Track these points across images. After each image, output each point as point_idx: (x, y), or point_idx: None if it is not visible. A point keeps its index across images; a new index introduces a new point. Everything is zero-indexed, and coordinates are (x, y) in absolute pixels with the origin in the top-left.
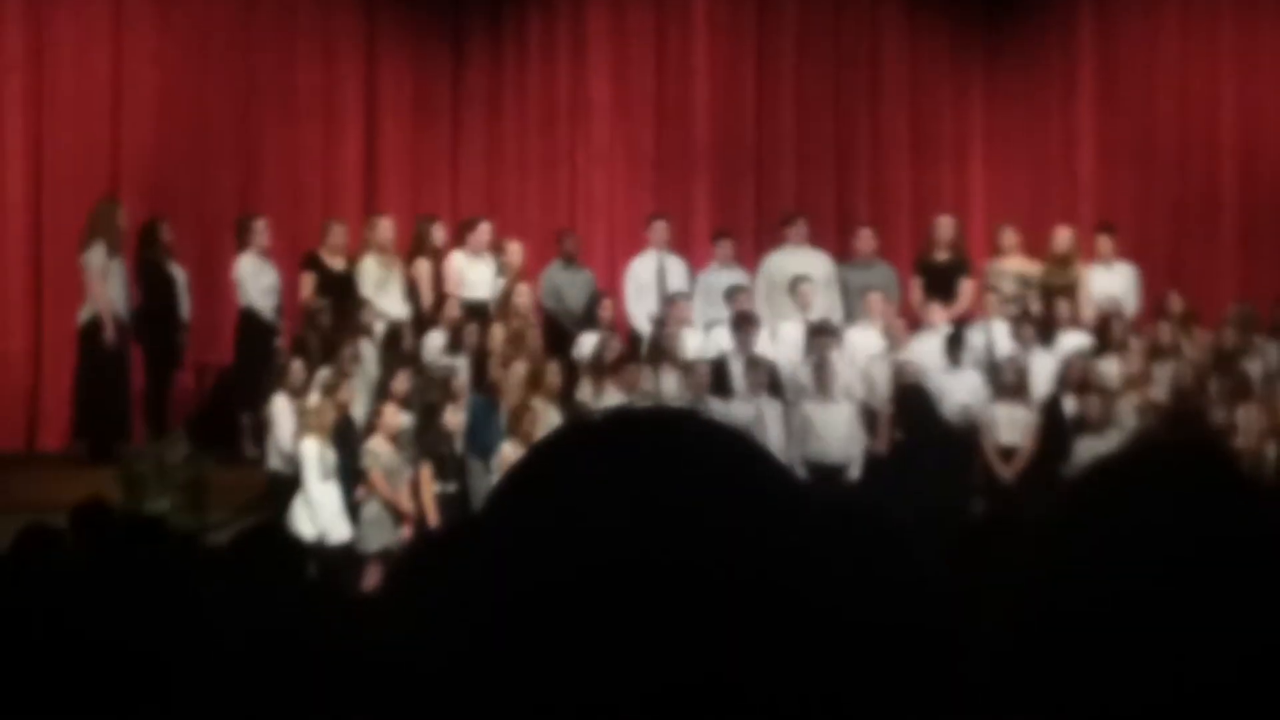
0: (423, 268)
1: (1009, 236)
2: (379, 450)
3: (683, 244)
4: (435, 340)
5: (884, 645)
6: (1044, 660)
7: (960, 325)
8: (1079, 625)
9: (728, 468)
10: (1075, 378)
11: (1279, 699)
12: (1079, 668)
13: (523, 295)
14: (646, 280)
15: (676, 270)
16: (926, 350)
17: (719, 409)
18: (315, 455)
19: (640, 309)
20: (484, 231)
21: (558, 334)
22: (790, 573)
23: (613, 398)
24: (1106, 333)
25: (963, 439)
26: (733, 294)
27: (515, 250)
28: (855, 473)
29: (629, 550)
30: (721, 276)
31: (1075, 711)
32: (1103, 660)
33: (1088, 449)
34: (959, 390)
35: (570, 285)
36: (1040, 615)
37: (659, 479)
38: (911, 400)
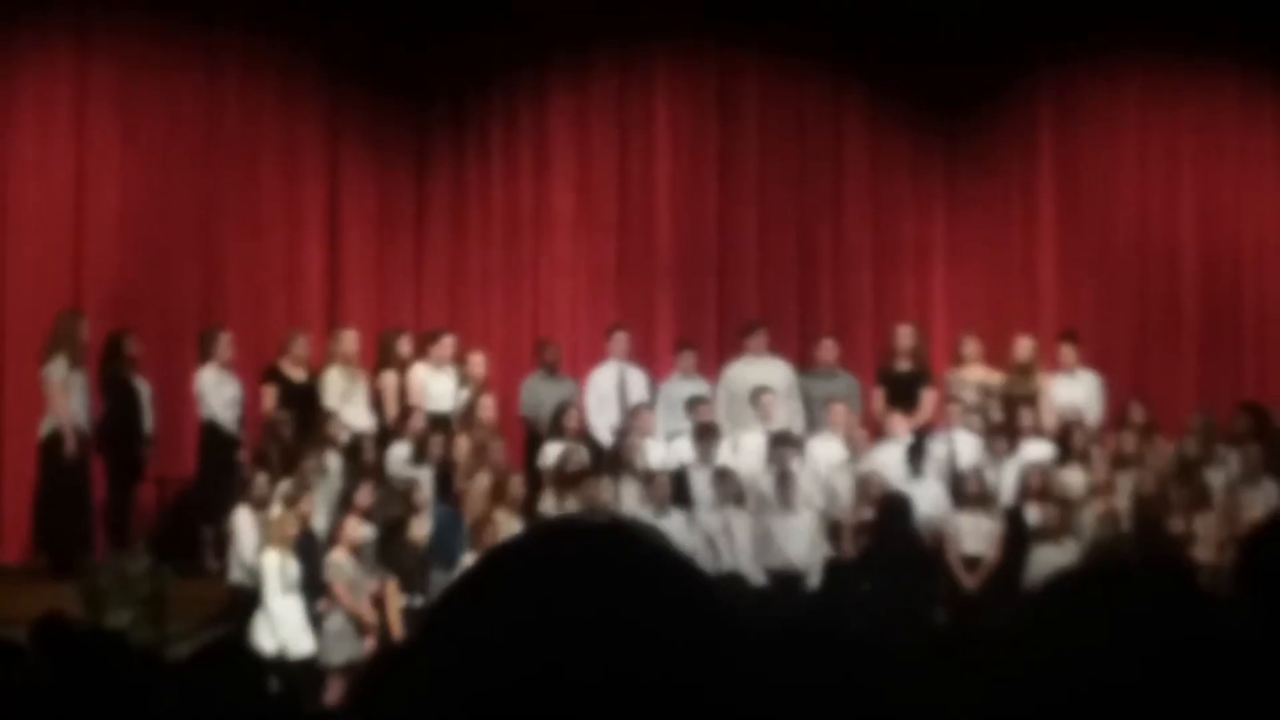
0: (389, 380)
1: (970, 346)
2: (341, 562)
3: (646, 354)
4: (400, 452)
5: None
6: None
7: (922, 435)
8: None
9: (679, 583)
10: (1035, 487)
11: None
12: None
13: (486, 407)
14: (607, 391)
15: (637, 381)
16: (888, 460)
17: (683, 520)
18: (277, 568)
19: (602, 420)
20: (446, 344)
21: (537, 444)
22: (740, 693)
23: (574, 509)
24: (1069, 442)
25: (929, 549)
26: (694, 404)
27: (479, 361)
28: (815, 581)
29: (576, 664)
30: (683, 387)
31: None
32: None
33: (1045, 559)
34: (921, 500)
35: (551, 396)
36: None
37: (609, 592)
38: (892, 509)
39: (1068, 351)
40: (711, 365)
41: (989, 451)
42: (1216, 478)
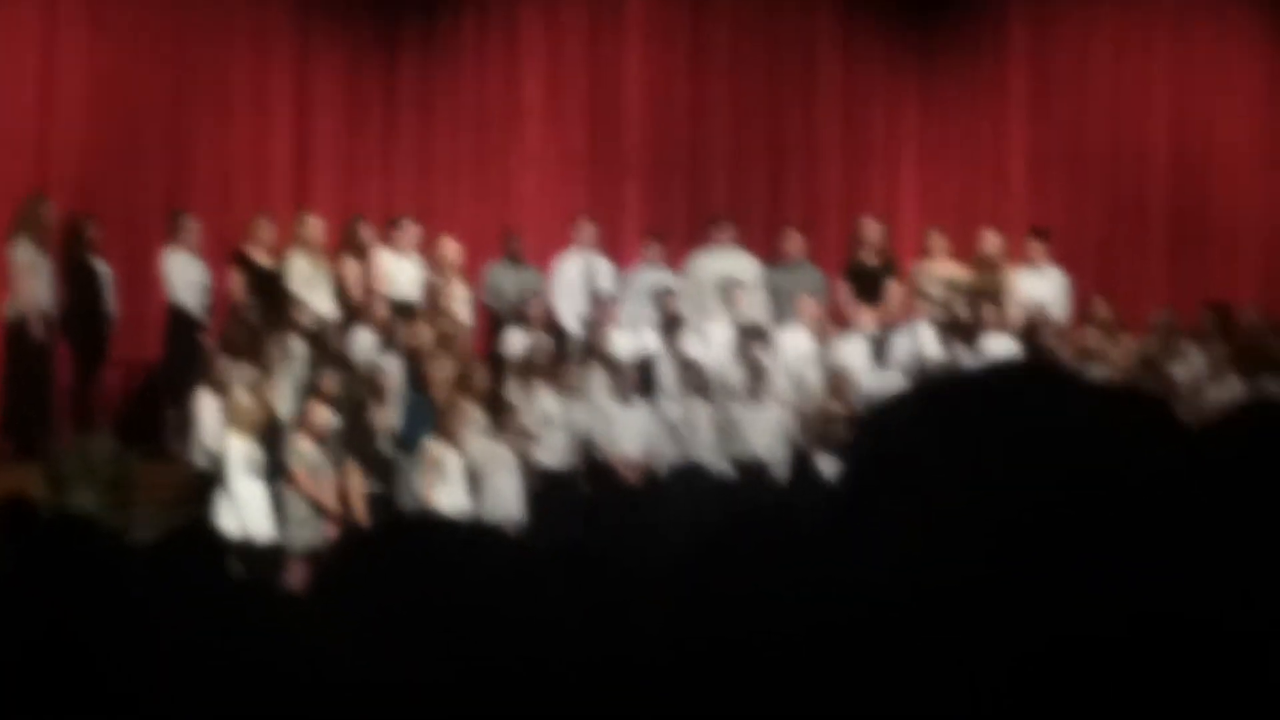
0: (350, 266)
1: (937, 240)
2: (303, 449)
3: (614, 245)
4: (363, 339)
5: None
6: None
7: (886, 328)
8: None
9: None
10: None
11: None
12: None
13: (458, 293)
14: (573, 280)
15: (603, 270)
16: (852, 352)
17: (647, 410)
18: (242, 453)
19: (568, 308)
20: (408, 230)
21: (500, 331)
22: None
23: (544, 397)
24: (1033, 337)
25: None
26: (660, 295)
27: (452, 247)
28: (781, 474)
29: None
30: (649, 277)
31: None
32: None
33: None
34: (884, 393)
35: (512, 283)
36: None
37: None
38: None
39: (1036, 247)
40: (679, 256)
41: (947, 347)
42: (1180, 373)
